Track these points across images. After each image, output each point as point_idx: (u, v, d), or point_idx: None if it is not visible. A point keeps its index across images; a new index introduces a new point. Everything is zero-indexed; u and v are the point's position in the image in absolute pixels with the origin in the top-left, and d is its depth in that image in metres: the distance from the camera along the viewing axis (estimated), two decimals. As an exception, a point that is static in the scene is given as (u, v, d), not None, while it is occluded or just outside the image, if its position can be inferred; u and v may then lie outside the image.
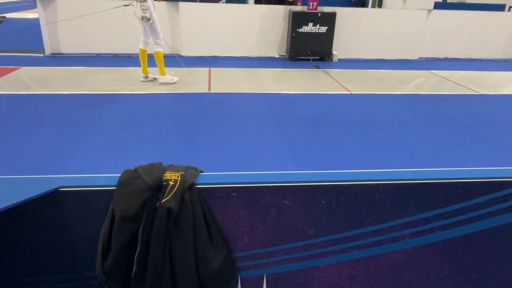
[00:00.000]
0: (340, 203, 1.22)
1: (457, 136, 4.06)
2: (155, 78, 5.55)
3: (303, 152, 3.56)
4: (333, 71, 6.72)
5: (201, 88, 5.46)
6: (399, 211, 1.25)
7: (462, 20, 8.09)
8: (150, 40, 5.28)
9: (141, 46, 5.38)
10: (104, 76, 5.79)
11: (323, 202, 1.21)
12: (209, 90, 5.41)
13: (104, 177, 1.15)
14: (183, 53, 7.40)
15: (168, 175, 1.15)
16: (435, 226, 1.27)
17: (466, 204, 1.25)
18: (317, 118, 4.43)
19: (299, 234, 1.25)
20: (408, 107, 4.99)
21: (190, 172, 1.18)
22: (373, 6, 16.25)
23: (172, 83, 5.49)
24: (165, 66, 5.49)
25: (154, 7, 5.07)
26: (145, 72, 5.53)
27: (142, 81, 5.50)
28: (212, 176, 1.19)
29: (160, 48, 5.32)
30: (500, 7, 12.63)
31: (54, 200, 1.11)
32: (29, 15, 13.47)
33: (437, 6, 12.38)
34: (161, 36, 5.28)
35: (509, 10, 12.32)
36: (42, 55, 6.95)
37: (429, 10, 8.13)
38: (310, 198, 1.20)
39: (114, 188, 1.12)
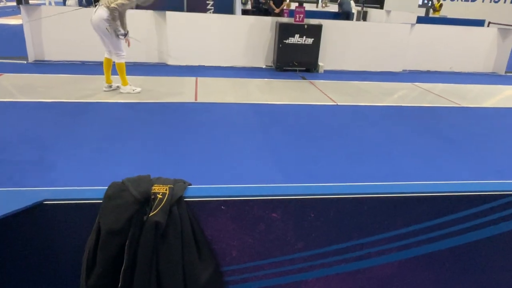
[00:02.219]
0: (328, 217, 1.22)
1: (440, 148, 4.14)
2: (118, 87, 5.47)
3: (290, 163, 3.57)
4: (319, 82, 6.80)
5: (187, 97, 5.44)
6: (386, 225, 1.26)
7: (444, 34, 8.32)
8: (111, 50, 5.20)
9: (106, 55, 5.29)
10: (89, 84, 5.72)
11: (312, 215, 1.21)
12: (196, 99, 5.40)
13: (90, 190, 1.12)
14: (170, 62, 7.39)
15: (156, 188, 1.14)
16: (421, 239, 1.29)
17: (451, 217, 1.27)
18: (303, 129, 4.46)
19: (287, 247, 1.25)
20: (392, 118, 5.07)
21: (179, 185, 1.17)
22: (358, 19, 16.62)
23: (134, 93, 5.39)
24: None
25: (120, 19, 4.98)
26: (108, 81, 5.42)
27: (105, 91, 5.40)
28: (200, 189, 1.18)
29: (122, 60, 5.24)
30: (480, 23, 13.06)
31: (38, 213, 1.08)
32: (12, 21, 13.26)
33: (420, 20, 12.73)
34: (122, 48, 5.17)
35: (488, 26, 12.76)
36: (25, 62, 6.83)
37: (412, 24, 8.34)
38: (299, 211, 1.20)
39: (101, 201, 1.10)
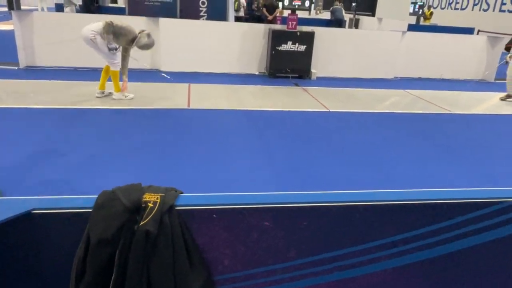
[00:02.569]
0: (320, 225, 1.22)
1: (432, 153, 4.17)
2: (110, 93, 5.47)
3: (284, 169, 3.57)
4: (312, 89, 6.84)
5: (180, 104, 5.43)
6: (378, 232, 1.26)
7: (434, 42, 8.43)
8: (106, 59, 5.26)
9: (107, 63, 5.36)
10: (81, 90, 5.68)
11: (304, 223, 1.21)
12: (188, 106, 5.39)
13: (80, 199, 1.11)
14: (163, 68, 7.38)
15: (147, 196, 1.12)
16: (414, 246, 1.29)
17: (444, 224, 1.27)
18: (297, 135, 4.47)
19: (280, 256, 1.24)
20: (384, 125, 5.11)
21: (170, 193, 1.16)
22: (350, 27, 16.79)
23: (127, 99, 5.39)
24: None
25: (114, 36, 5.04)
26: (101, 87, 5.42)
27: (97, 97, 5.39)
28: (192, 198, 1.17)
29: (117, 68, 5.28)
30: (470, 31, 13.26)
31: (27, 223, 1.06)
32: (3, 26, 13.16)
33: (411, 28, 12.90)
34: (115, 57, 5.21)
35: (477, 34, 12.97)
36: (16, 67, 6.77)
37: (403, 32, 8.44)
38: (291, 219, 1.20)
39: (90, 210, 1.09)
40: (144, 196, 1.13)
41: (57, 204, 1.08)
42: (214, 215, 1.16)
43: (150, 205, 1.10)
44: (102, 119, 4.63)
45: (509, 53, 6.89)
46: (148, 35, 5.17)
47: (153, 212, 1.09)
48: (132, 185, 1.16)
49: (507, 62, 6.78)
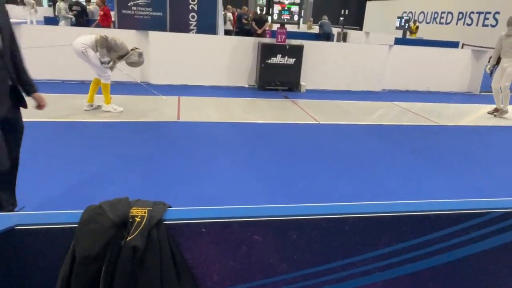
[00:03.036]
0: (311, 237, 1.21)
1: (420, 165, 4.21)
2: (99, 106, 5.44)
3: (274, 182, 3.56)
4: (301, 101, 6.89)
5: (169, 117, 5.41)
6: (369, 244, 1.26)
7: (421, 55, 8.60)
8: (97, 72, 5.25)
9: (96, 76, 5.33)
10: (69, 103, 5.63)
11: (294, 236, 1.20)
12: (178, 118, 5.37)
13: (65, 214, 1.08)
14: (152, 81, 7.37)
15: (134, 211, 1.10)
16: (405, 258, 1.28)
17: (434, 236, 1.27)
18: (286, 148, 4.47)
19: (270, 270, 1.22)
20: (373, 137, 5.15)
21: (158, 207, 1.14)
22: (338, 40, 17.05)
23: (116, 112, 5.36)
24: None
25: (107, 49, 5.06)
26: (90, 100, 5.39)
27: (86, 110, 5.35)
28: (180, 212, 1.15)
29: (108, 81, 5.26)
30: (455, 44, 13.56)
31: (9, 239, 1.03)
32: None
33: (397, 42, 13.15)
34: (106, 70, 5.19)
35: (462, 47, 13.28)
36: (3, 80, 6.69)
37: (390, 46, 8.60)
38: (281, 232, 1.19)
39: (76, 226, 1.06)
40: (132, 210, 1.10)
41: (41, 220, 1.05)
42: (202, 229, 1.14)
43: (138, 219, 1.08)
44: (91, 132, 4.58)
45: (488, 64, 7.02)
46: (140, 54, 5.23)
47: (141, 227, 1.07)
48: (119, 200, 1.13)
49: (491, 75, 6.92)
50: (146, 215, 1.09)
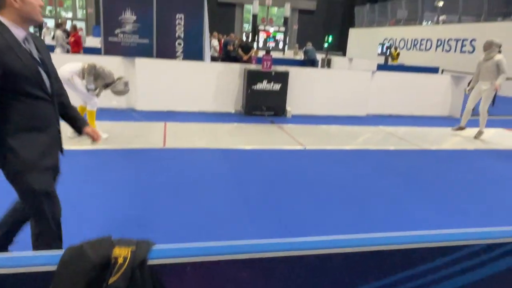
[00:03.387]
0: (299, 274, 1.18)
1: (406, 190, 4.24)
2: None
3: (260, 209, 3.52)
4: (288, 126, 6.94)
5: (155, 143, 5.37)
6: (357, 279, 1.24)
7: (403, 80, 8.84)
8: (84, 99, 5.26)
9: (81, 103, 5.34)
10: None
11: (281, 273, 1.17)
12: (164, 145, 5.34)
13: (43, 256, 1.04)
14: (138, 107, 7.34)
15: (117, 251, 1.06)
16: (394, 293, 1.26)
17: (423, 268, 1.26)
18: (273, 174, 4.46)
19: (258, 308, 1.19)
20: (359, 162, 5.19)
21: (142, 246, 1.10)
22: (322, 66, 17.42)
23: (101, 139, 5.32)
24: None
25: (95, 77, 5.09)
26: None
27: (70, 137, 5.28)
28: (164, 250, 1.11)
29: (94, 108, 5.27)
30: (435, 70, 13.98)
31: (-18, 284, 0.98)
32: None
33: (380, 67, 13.51)
34: (91, 97, 5.19)
35: (442, 73, 13.72)
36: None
37: (373, 72, 8.83)
38: (268, 270, 1.16)
39: (55, 268, 1.01)
40: (114, 250, 1.07)
41: (16, 262, 1.00)
42: (187, 268, 1.10)
43: (120, 260, 1.04)
44: (75, 160, 4.49)
45: (467, 87, 7.28)
46: (126, 84, 5.28)
47: (123, 268, 1.03)
48: (102, 239, 1.09)
49: (468, 92, 7.18)
50: (129, 255, 1.05)
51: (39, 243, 2.14)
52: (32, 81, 1.88)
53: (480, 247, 1.30)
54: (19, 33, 1.84)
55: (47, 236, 2.15)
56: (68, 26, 11.87)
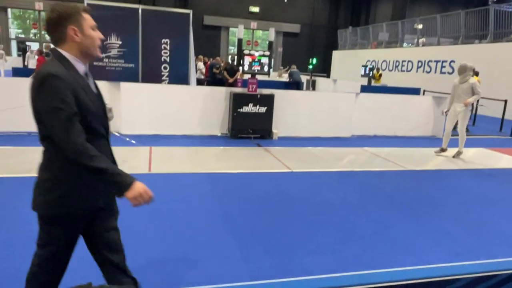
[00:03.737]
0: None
1: (392, 211, 4.26)
2: None
3: (247, 237, 3.48)
4: (274, 149, 6.96)
5: (140, 168, 5.30)
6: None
7: (386, 101, 9.02)
8: None
9: None
10: (35, 157, 5.41)
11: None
12: (149, 170, 5.27)
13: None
14: (123, 131, 7.28)
15: (97, 297, 1.03)
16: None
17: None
18: (260, 199, 4.43)
19: None
20: (345, 184, 5.21)
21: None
22: (307, 87, 17.68)
23: None
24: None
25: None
26: None
27: None
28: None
29: None
30: (416, 91, 14.33)
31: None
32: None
33: (363, 89, 13.78)
34: None
35: (423, 94, 14.07)
36: (-36, 134, 6.42)
37: (357, 93, 8.99)
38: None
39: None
40: (94, 296, 1.03)
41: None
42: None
43: (100, 307, 1.00)
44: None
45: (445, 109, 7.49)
46: (109, 110, 5.20)
47: (103, 315, 0.99)
48: (82, 286, 1.06)
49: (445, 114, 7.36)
50: (109, 301, 1.02)
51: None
52: (97, 118, 1.83)
53: (468, 280, 1.30)
54: (80, 67, 1.78)
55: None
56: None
